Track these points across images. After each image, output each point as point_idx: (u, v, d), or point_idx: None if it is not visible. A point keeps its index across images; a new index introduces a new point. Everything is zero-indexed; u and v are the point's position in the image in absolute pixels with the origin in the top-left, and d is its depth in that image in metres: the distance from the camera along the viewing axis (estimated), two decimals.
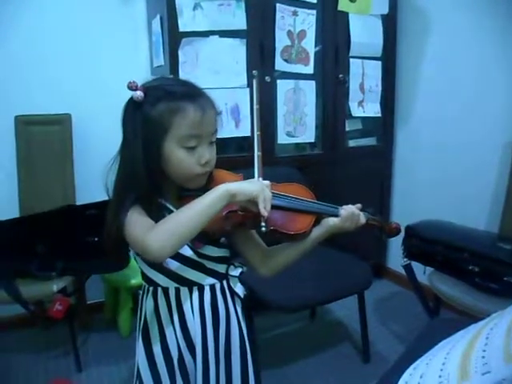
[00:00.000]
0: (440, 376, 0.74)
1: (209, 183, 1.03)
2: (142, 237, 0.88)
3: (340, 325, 2.49)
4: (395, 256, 2.70)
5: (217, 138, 1.02)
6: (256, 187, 0.93)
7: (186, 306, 1.04)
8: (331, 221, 1.04)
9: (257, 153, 1.09)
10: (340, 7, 2.47)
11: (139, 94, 0.93)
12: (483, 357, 0.69)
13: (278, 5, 2.31)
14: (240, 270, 1.11)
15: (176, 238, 0.88)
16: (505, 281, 1.68)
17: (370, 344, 2.17)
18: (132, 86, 0.93)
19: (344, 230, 1.05)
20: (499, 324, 0.75)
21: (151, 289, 1.06)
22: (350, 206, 1.06)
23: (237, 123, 2.30)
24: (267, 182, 0.99)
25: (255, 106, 1.17)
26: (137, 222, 0.92)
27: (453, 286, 1.88)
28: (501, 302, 1.51)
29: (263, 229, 0.93)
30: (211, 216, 0.90)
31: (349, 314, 2.43)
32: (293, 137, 2.52)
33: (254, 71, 1.28)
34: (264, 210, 0.91)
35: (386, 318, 2.54)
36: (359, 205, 1.07)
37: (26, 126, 2.25)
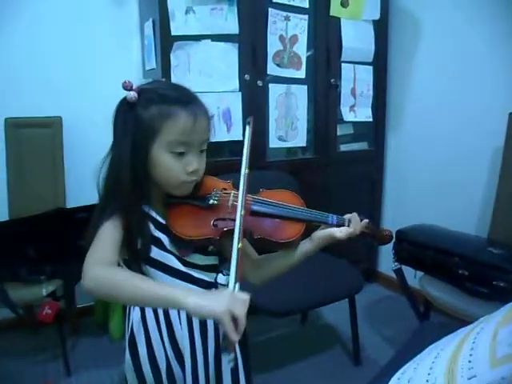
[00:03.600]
0: (427, 380, 0.74)
1: (197, 190, 1.01)
2: (90, 262, 0.83)
3: (331, 329, 2.49)
4: (386, 260, 2.71)
5: (209, 142, 0.99)
6: (220, 307, 0.72)
7: (174, 317, 1.02)
8: (335, 231, 0.97)
9: (240, 213, 0.91)
10: (332, 12, 2.49)
11: (133, 94, 0.92)
12: (469, 361, 0.69)
13: (270, 9, 2.32)
14: None
15: (107, 294, 0.82)
16: (494, 285, 1.69)
17: (361, 348, 2.18)
18: (127, 86, 0.92)
19: (339, 240, 0.98)
20: (486, 328, 0.75)
21: None
22: (354, 214, 1.01)
23: (228, 127, 2.30)
24: (243, 297, 0.76)
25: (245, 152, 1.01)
26: (100, 242, 0.87)
27: (443, 290, 1.89)
28: (490, 306, 1.52)
29: (230, 364, 0.74)
30: (152, 305, 0.91)
31: (340, 318, 2.42)
32: (284, 141, 2.52)
33: (248, 119, 1.08)
34: (233, 334, 0.71)
35: (376, 321, 2.54)
36: (348, 214, 1.02)
37: (16, 128, 2.23)
